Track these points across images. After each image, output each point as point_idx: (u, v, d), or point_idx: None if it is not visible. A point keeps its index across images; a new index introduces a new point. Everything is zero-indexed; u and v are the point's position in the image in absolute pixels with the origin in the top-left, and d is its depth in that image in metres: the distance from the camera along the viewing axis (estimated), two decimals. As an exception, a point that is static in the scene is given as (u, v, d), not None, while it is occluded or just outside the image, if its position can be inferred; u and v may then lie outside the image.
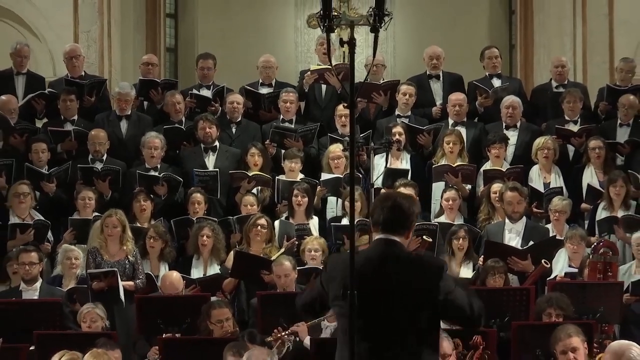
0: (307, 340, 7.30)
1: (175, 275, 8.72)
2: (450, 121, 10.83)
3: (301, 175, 10.22)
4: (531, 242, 9.21)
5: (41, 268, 8.79)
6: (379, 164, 10.07)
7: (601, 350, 7.22)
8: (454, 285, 4.81)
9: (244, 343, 6.76)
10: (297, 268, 8.57)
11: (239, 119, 10.95)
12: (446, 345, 6.43)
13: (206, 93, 11.37)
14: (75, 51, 11.61)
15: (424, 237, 8.96)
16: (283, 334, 7.33)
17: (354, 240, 4.61)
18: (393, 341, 4.68)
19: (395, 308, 4.67)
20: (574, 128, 10.70)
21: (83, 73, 11.58)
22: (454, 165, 10.11)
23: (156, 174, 10.17)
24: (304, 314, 5.55)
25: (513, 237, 9.38)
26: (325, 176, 10.13)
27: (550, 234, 9.44)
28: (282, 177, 10.24)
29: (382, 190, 9.91)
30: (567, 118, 10.86)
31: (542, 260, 8.90)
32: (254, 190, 10.12)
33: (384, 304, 4.67)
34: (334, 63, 11.50)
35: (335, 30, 4.89)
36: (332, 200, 10.20)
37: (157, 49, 15.50)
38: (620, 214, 9.64)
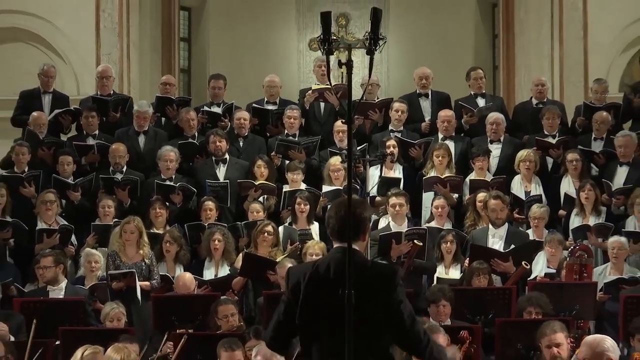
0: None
1: (188, 276, 8.76)
2: (440, 136, 10.82)
3: (304, 185, 10.23)
4: (513, 246, 9.21)
5: (59, 270, 8.73)
6: (374, 174, 10.07)
7: (577, 344, 7.22)
8: (404, 297, 4.58)
9: (236, 339, 6.69)
10: (300, 270, 8.57)
11: (246, 134, 10.96)
12: (442, 339, 6.43)
13: (217, 110, 11.38)
14: (106, 72, 11.62)
15: (415, 241, 8.96)
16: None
17: (351, 243, 4.59)
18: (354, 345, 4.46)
19: (355, 313, 4.44)
20: (552, 142, 10.70)
21: (112, 92, 11.60)
22: (442, 177, 10.11)
23: (171, 184, 10.19)
24: (274, 348, 4.89)
25: (496, 241, 9.37)
26: (326, 188, 10.14)
27: (530, 239, 9.45)
28: (286, 187, 10.25)
29: (377, 198, 9.97)
30: (546, 133, 10.84)
31: (523, 262, 8.90)
32: (261, 199, 10.14)
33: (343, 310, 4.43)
34: (333, 83, 11.50)
35: (334, 53, 4.90)
36: (332, 207, 10.19)
37: (172, 70, 15.55)
38: (591, 220, 9.64)
